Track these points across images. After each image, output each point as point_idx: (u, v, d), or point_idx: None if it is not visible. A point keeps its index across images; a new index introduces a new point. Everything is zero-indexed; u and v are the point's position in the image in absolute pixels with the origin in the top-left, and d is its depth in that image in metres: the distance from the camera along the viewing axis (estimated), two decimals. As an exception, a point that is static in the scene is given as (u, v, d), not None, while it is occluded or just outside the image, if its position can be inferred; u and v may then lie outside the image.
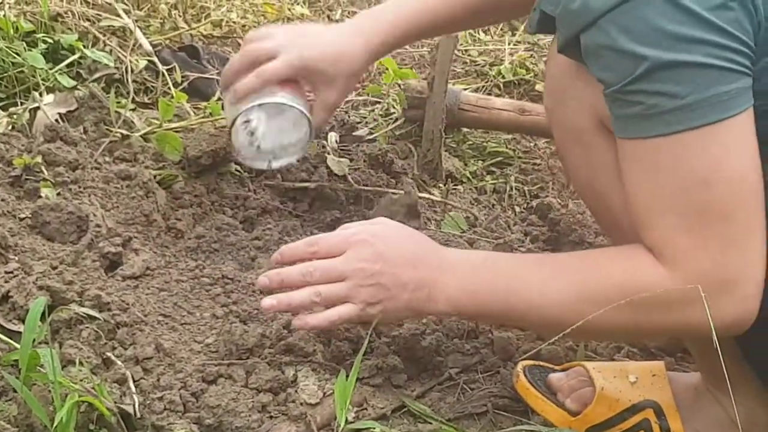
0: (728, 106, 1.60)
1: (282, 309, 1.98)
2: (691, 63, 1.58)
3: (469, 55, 4.16)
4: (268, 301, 1.95)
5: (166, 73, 3.23)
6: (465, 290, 1.92)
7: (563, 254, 1.88)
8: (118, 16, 3.43)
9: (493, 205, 3.19)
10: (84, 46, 3.19)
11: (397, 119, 3.39)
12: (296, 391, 2.00)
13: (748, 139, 1.64)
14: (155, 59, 3.28)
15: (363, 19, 2.42)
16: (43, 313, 1.87)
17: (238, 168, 2.82)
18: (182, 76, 3.29)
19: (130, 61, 3.20)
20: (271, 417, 1.96)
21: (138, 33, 3.35)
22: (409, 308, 1.94)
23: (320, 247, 1.97)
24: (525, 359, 2.20)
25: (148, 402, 1.93)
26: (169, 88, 3.19)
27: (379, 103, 3.56)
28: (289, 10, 4.10)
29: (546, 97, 2.01)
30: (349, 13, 4.36)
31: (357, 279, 1.92)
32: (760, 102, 1.64)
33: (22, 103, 2.91)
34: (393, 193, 2.87)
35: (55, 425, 1.75)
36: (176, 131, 2.84)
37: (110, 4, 3.49)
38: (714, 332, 1.62)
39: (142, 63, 3.24)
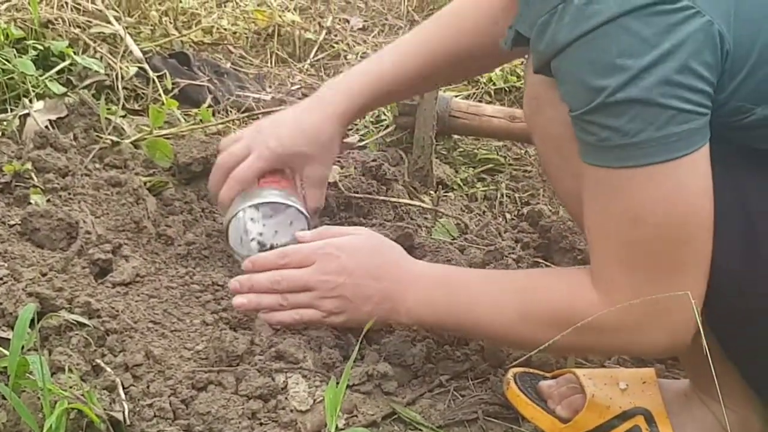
0: (677, 147, 1.64)
1: (251, 308, 2.15)
2: (645, 101, 1.60)
3: (460, 63, 4.15)
4: (239, 300, 2.14)
5: (156, 80, 3.23)
6: (423, 304, 2.04)
7: (517, 273, 2.01)
8: (109, 23, 3.44)
9: (484, 212, 3.19)
10: (74, 53, 3.18)
11: (387, 126, 3.39)
12: (286, 398, 2.00)
13: (696, 178, 1.68)
14: (146, 66, 3.28)
15: (324, 90, 2.46)
16: (33, 320, 1.86)
17: (229, 175, 2.82)
18: (173, 83, 3.30)
19: (121, 68, 3.20)
20: (261, 424, 1.96)
21: (128, 40, 3.35)
22: (372, 317, 2.05)
23: (291, 260, 2.11)
24: (515, 366, 2.20)
25: (137, 409, 1.92)
26: (160, 95, 3.19)
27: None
28: (280, 17, 4.10)
29: (525, 106, 2.03)
30: (340, 20, 4.36)
31: (321, 291, 2.07)
32: (735, 119, 1.66)
33: (12, 110, 2.91)
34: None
35: (44, 432, 1.74)
36: (167, 138, 2.84)
37: (101, 11, 3.49)
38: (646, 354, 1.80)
39: (133, 70, 3.24)
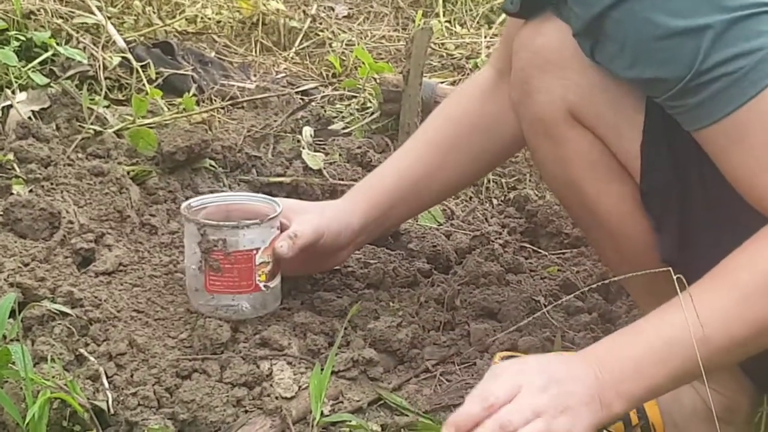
0: None
1: None
2: (747, 16, 1.53)
3: (445, 49, 4.14)
4: None
5: (140, 70, 3.21)
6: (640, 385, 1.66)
7: (701, 285, 1.63)
8: (92, 12, 3.41)
9: (470, 197, 3.18)
10: (57, 44, 3.16)
11: (373, 113, 3.37)
12: (271, 385, 1.99)
13: None
14: (129, 56, 3.26)
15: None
16: (15, 310, 1.86)
17: (213, 164, 2.81)
18: (156, 73, 3.27)
19: (104, 58, 3.18)
20: (246, 411, 1.95)
21: (111, 30, 3.34)
22: (593, 424, 1.66)
23: (496, 400, 1.62)
24: (502, 350, 2.19)
25: (121, 398, 1.92)
26: (144, 85, 3.17)
27: (355, 97, 3.54)
28: (264, 5, 4.07)
29: (512, 90, 1.98)
30: (325, 8, 4.34)
31: (551, 409, 1.61)
32: None
33: (-6, 101, 2.89)
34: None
35: (27, 422, 1.74)
36: (150, 127, 2.83)
37: (83, 1, 3.47)
38: None
39: (116, 60, 3.22)
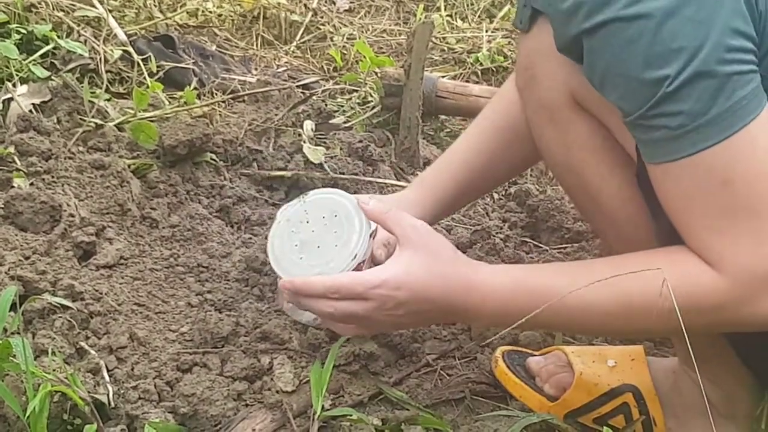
0: (749, 109, 1.58)
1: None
2: (708, 74, 1.55)
3: (447, 43, 4.14)
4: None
5: (141, 63, 3.21)
6: (497, 319, 1.85)
7: (598, 263, 1.79)
8: (93, 5, 3.41)
9: (471, 192, 3.17)
10: (58, 37, 3.17)
11: (374, 107, 3.37)
12: (272, 379, 1.99)
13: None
14: (130, 49, 3.27)
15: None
16: (16, 303, 1.85)
17: (214, 157, 2.80)
18: (157, 66, 3.28)
19: (105, 51, 3.18)
20: (246, 405, 1.96)
21: (112, 23, 3.34)
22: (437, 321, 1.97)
23: (341, 296, 1.82)
24: (503, 345, 2.19)
25: (122, 391, 1.92)
26: (145, 78, 3.17)
27: (356, 91, 3.54)
28: (266, -1, 4.08)
29: (517, 77, 1.98)
30: (326, 1, 4.34)
31: (379, 322, 1.85)
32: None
33: (-5, 94, 2.89)
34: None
35: (27, 415, 1.73)
36: (151, 121, 2.82)
37: (84, -6, 3.47)
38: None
39: (117, 53, 3.22)
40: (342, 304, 1.82)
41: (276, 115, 3.14)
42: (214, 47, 3.75)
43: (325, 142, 3.07)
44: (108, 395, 1.90)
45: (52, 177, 2.47)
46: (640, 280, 1.69)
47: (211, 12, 4.03)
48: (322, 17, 4.18)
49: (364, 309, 1.82)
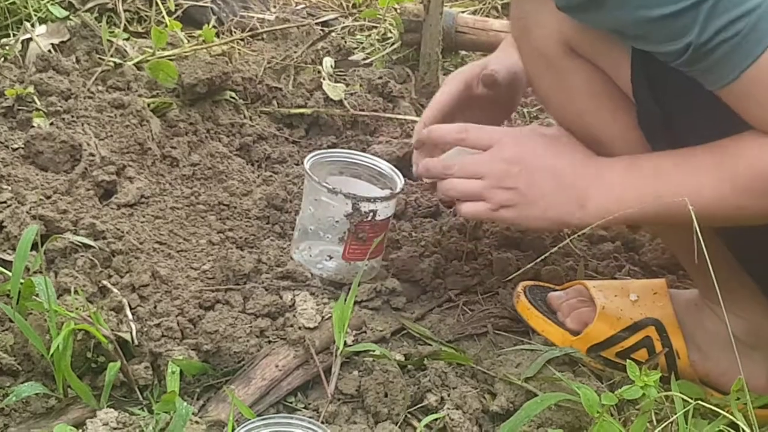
0: None
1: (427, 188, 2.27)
2: None
3: (466, -22, 4.11)
4: (420, 169, 2.03)
5: (159, 2, 3.21)
6: (613, 199, 1.83)
7: (699, 150, 1.74)
8: (110, -56, 3.39)
9: (493, 126, 3.16)
10: (76, -24, 3.15)
11: (393, 43, 3.35)
12: (294, 316, 1.99)
13: None
14: (149, -12, 3.25)
15: None
16: (38, 243, 1.86)
17: (234, 95, 2.79)
18: (176, 5, 3.27)
19: (123, -10, 3.17)
20: (269, 341, 1.96)
21: (130, -39, 3.32)
22: (547, 218, 1.90)
23: (468, 136, 1.96)
24: (525, 280, 2.19)
25: (145, 329, 1.92)
26: (163, 17, 3.16)
27: (376, 27, 3.52)
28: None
29: (511, 27, 1.97)
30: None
31: (493, 180, 1.91)
32: None
33: (14, 35, 2.88)
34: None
35: (51, 353, 1.74)
36: (170, 59, 2.81)
37: (102, -68, 3.45)
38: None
39: (135, -8, 3.21)
40: (462, 160, 1.95)
41: (295, 52, 3.12)
42: (232, -15, 3.72)
43: (344, 79, 3.05)
44: (131, 333, 1.90)
45: (72, 116, 2.47)
46: (744, 160, 1.68)
47: (229, -50, 4.00)
48: (341, -47, 4.14)
49: (482, 161, 1.92)
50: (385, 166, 2.21)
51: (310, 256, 2.16)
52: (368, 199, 2.07)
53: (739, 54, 1.56)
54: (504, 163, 1.90)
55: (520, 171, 1.88)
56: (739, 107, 1.65)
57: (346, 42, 3.35)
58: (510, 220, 1.96)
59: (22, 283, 1.81)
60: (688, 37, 1.56)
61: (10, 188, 2.18)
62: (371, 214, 2.10)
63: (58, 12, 2.99)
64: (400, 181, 2.16)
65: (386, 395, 1.86)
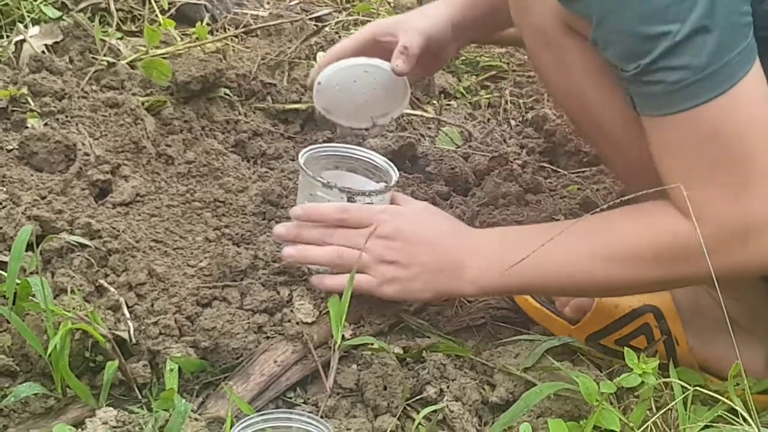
0: (742, 64, 1.61)
1: (299, 261, 2.05)
2: (709, 29, 1.57)
3: (459, -30, 4.10)
4: (288, 250, 2.02)
5: (152, 0, 3.20)
6: (489, 270, 1.93)
7: (585, 221, 1.84)
8: (102, -57, 3.39)
9: (488, 119, 3.16)
10: (68, -24, 3.15)
11: (388, 37, 3.34)
12: (292, 311, 1.99)
13: (759, 86, 1.65)
14: (141, -14, 3.25)
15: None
16: (33, 243, 1.85)
17: (228, 92, 2.79)
18: (169, 3, 3.26)
19: (115, -11, 3.17)
20: (267, 337, 1.95)
21: (122, -40, 3.32)
22: (430, 290, 1.97)
23: (350, 217, 1.99)
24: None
25: (143, 327, 1.92)
26: (156, 16, 3.16)
27: (369, 21, 3.51)
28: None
29: (511, 8, 1.98)
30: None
31: (374, 253, 1.95)
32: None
33: (7, 36, 2.88)
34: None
35: (49, 353, 1.74)
36: (164, 57, 2.81)
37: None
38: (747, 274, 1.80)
39: (128, -10, 3.21)
40: (341, 230, 1.99)
41: (289, 48, 3.12)
42: (225, -18, 3.72)
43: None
44: (129, 332, 1.90)
45: (66, 116, 2.46)
46: (628, 234, 1.81)
47: (221, -54, 4.00)
48: (333, -52, 4.14)
49: (363, 234, 1.95)
50: (380, 160, 2.20)
51: None
52: (363, 193, 2.07)
53: (666, 100, 1.65)
54: (386, 238, 1.96)
55: (401, 246, 1.96)
56: (655, 145, 1.75)
57: (340, 37, 3.34)
58: (394, 296, 2.00)
59: (18, 284, 1.81)
60: (635, 60, 1.63)
61: (5, 189, 2.18)
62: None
63: (51, 12, 2.99)
64: (395, 174, 2.15)
65: (385, 388, 1.86)
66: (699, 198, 1.68)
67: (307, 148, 2.17)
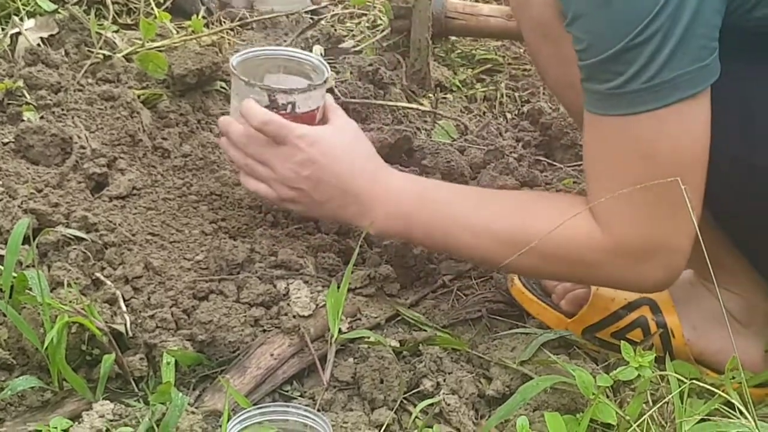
0: (691, 84, 1.63)
1: (226, 152, 2.18)
2: (662, 40, 1.58)
3: (455, -37, 4.10)
4: (221, 142, 2.17)
5: (148, -8, 3.20)
6: (393, 218, 2.00)
7: (507, 196, 1.98)
8: (98, -64, 3.38)
9: (484, 112, 3.17)
10: (64, -31, 3.14)
11: (383, 30, 3.35)
12: (288, 304, 1.99)
13: (700, 116, 1.67)
14: (136, -21, 3.24)
15: None
16: (30, 236, 1.85)
17: (224, 86, 2.78)
18: (165, -4, 3.26)
19: (111, -18, 3.16)
20: (264, 330, 1.96)
21: (118, -48, 3.31)
22: (329, 218, 2.12)
23: (268, 130, 2.04)
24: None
25: (139, 321, 1.92)
26: (152, 9, 3.15)
27: (365, 15, 3.52)
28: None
29: (511, 0, 2.00)
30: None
31: (279, 176, 2.05)
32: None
33: (2, 29, 2.87)
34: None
35: (45, 346, 1.74)
36: (159, 50, 2.80)
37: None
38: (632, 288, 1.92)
39: (124, -17, 3.20)
40: (258, 139, 2.06)
41: (285, 41, 3.13)
42: (221, -26, 3.72)
43: (335, 67, 3.05)
44: (125, 325, 1.90)
45: (62, 110, 2.46)
46: (535, 222, 1.84)
47: (216, -61, 4.00)
48: (329, -59, 4.14)
49: (274, 153, 2.04)
50: (315, 59, 2.22)
51: None
52: (284, 91, 2.08)
53: (611, 100, 1.68)
54: (295, 164, 2.03)
55: (309, 176, 2.02)
56: (587, 142, 1.80)
57: (335, 30, 3.35)
58: (298, 212, 2.14)
59: (15, 277, 1.81)
60: (588, 57, 1.68)
61: (1, 182, 2.17)
62: (289, 105, 2.09)
63: (47, 5, 2.98)
64: (327, 72, 2.16)
65: (382, 381, 1.87)
66: (613, 207, 1.71)
67: (241, 51, 2.21)
